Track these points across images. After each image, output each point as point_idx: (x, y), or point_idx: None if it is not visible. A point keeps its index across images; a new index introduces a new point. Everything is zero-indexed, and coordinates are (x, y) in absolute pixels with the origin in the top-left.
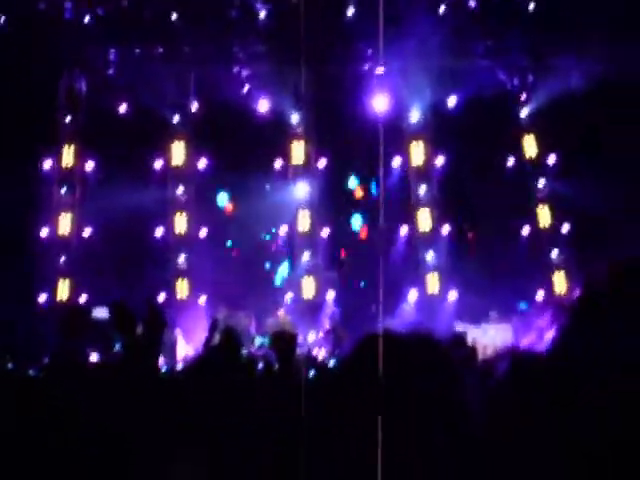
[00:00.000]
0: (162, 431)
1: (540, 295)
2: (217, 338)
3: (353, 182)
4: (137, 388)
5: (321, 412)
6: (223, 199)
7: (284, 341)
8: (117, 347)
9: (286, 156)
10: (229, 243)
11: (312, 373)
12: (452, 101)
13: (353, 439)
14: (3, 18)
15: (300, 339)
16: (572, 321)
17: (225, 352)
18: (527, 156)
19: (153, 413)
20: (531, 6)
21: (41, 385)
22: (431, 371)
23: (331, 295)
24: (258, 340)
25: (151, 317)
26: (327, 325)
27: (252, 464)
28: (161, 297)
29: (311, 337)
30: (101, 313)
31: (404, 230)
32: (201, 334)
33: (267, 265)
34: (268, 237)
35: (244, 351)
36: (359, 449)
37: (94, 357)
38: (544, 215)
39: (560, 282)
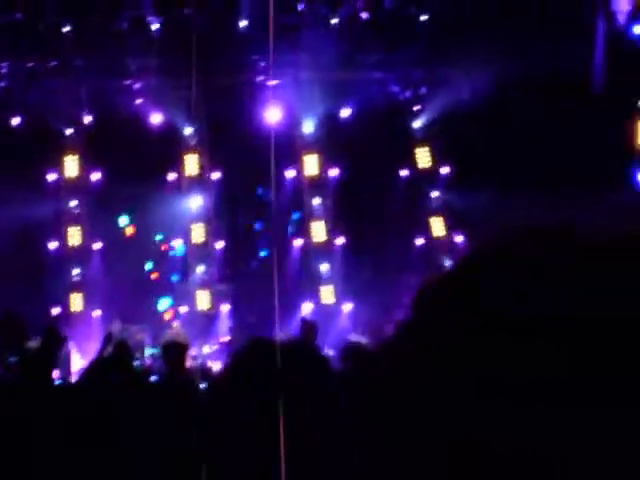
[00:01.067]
0: (54, 440)
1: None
2: (109, 350)
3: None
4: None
5: (214, 417)
6: (124, 221)
7: (174, 351)
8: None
9: (180, 169)
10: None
11: (205, 384)
12: (345, 113)
13: (251, 441)
14: None
15: (195, 352)
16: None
17: (116, 363)
18: (420, 167)
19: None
20: (424, 17)
21: None
22: (303, 371)
23: (225, 307)
24: (149, 351)
25: (49, 334)
26: (222, 337)
27: (147, 472)
28: (55, 310)
29: (206, 349)
30: None
31: (298, 242)
32: (95, 348)
33: (160, 277)
34: (159, 238)
35: (136, 363)
36: (257, 449)
37: None
38: (437, 226)
39: None
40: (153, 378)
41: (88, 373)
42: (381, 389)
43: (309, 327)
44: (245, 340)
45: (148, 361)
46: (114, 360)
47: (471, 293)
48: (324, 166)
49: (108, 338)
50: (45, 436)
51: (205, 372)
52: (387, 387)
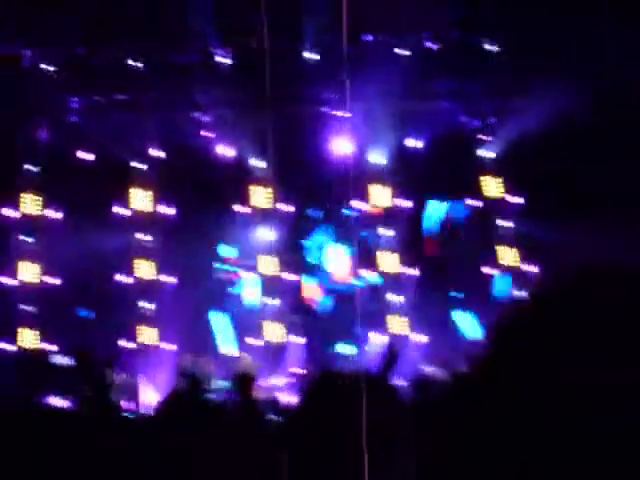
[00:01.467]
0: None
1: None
2: (182, 384)
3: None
4: (107, 432)
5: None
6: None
7: (244, 381)
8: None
9: (249, 200)
10: None
11: (275, 417)
12: (414, 143)
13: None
14: None
15: (264, 383)
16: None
17: (190, 397)
18: (490, 197)
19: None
20: (494, 48)
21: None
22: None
23: (296, 339)
24: (218, 383)
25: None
26: (292, 369)
27: None
28: (126, 344)
29: (276, 381)
30: (61, 360)
31: (369, 273)
32: (165, 380)
33: (230, 309)
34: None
35: (209, 395)
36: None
37: (60, 402)
38: (508, 256)
39: None
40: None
41: (163, 407)
42: (453, 424)
43: (390, 356)
44: (317, 373)
45: (217, 393)
46: (186, 394)
47: (548, 332)
48: (393, 197)
49: (179, 372)
50: (123, 468)
51: (274, 404)
52: (459, 421)
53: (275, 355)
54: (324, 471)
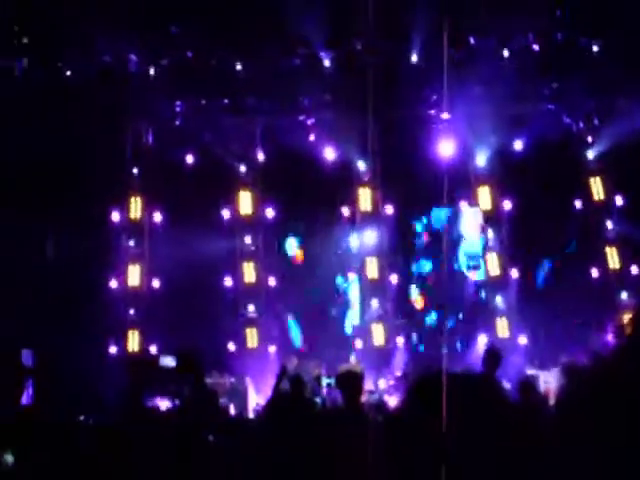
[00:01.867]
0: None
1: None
2: (286, 385)
3: (421, 227)
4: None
5: (387, 456)
6: (291, 245)
7: (350, 380)
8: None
9: (353, 203)
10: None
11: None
12: (518, 145)
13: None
14: (69, 72)
15: (371, 386)
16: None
17: (293, 399)
18: (594, 198)
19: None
20: (595, 48)
21: (114, 433)
22: (486, 411)
23: (401, 341)
24: (325, 381)
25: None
26: (398, 372)
27: None
28: (231, 346)
29: (382, 384)
30: (168, 361)
31: (473, 275)
32: (271, 383)
33: (335, 312)
34: (342, 282)
35: (316, 398)
36: None
37: (164, 404)
38: (613, 257)
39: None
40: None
41: (267, 410)
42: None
43: (494, 356)
44: (421, 373)
45: (325, 392)
46: (291, 396)
47: None
48: (498, 199)
49: (283, 373)
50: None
51: (381, 407)
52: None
53: (381, 358)
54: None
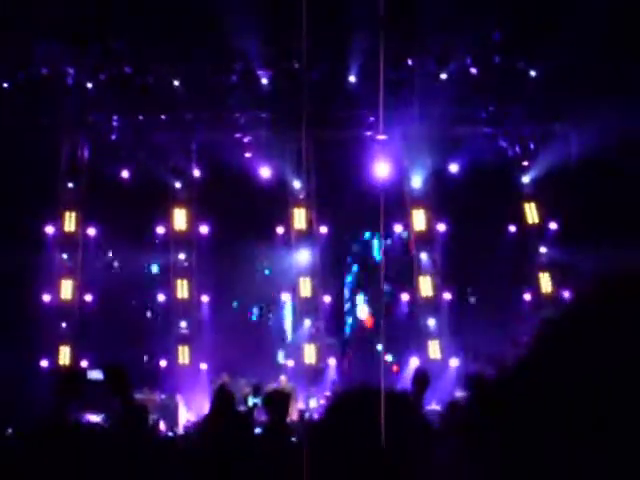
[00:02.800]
0: None
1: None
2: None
3: (355, 247)
4: (138, 451)
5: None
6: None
7: (277, 400)
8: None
9: (288, 222)
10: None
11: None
12: (453, 168)
13: None
14: (6, 84)
15: (302, 405)
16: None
17: (221, 414)
18: (528, 223)
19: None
20: (532, 74)
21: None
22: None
23: (332, 362)
24: (251, 400)
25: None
26: (328, 392)
27: None
28: (163, 363)
29: (313, 403)
30: (96, 375)
31: (405, 296)
32: (202, 400)
33: (267, 331)
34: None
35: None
36: None
37: (93, 418)
38: (545, 281)
39: None
40: (257, 430)
41: (199, 426)
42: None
43: (422, 378)
44: (342, 393)
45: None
46: (219, 411)
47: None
48: (432, 221)
49: (219, 393)
50: None
51: (308, 425)
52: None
53: (312, 377)
54: None
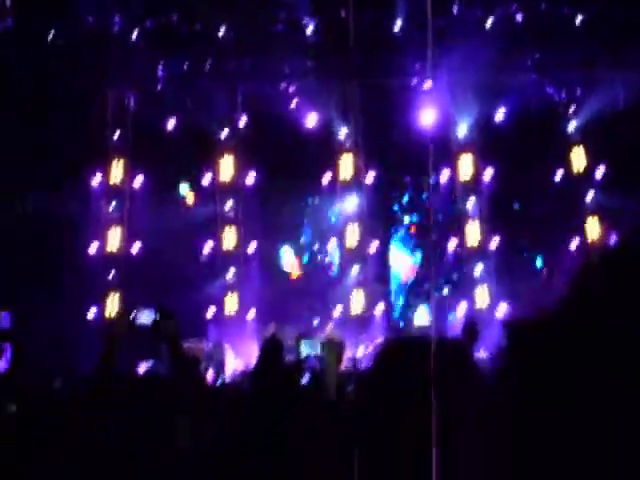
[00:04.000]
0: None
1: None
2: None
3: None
4: (188, 399)
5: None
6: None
7: (332, 349)
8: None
9: (334, 170)
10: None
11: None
12: (500, 115)
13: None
14: (52, 33)
15: (349, 354)
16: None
17: (272, 364)
18: (575, 169)
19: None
20: (579, 18)
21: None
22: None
23: (380, 308)
24: (305, 350)
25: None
26: (377, 339)
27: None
28: (210, 312)
29: (360, 351)
30: (146, 319)
31: (453, 243)
32: (250, 349)
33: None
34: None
35: (292, 363)
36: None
37: (142, 366)
38: (593, 227)
39: None
40: (307, 377)
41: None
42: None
43: (471, 328)
44: (391, 340)
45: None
46: (269, 360)
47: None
48: (479, 168)
49: (267, 342)
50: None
51: (357, 374)
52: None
53: (359, 325)
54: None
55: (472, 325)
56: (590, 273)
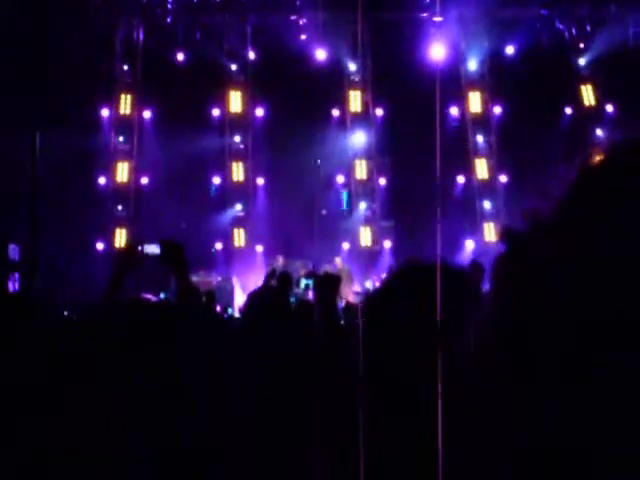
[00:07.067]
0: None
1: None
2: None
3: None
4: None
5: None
6: None
7: (328, 282)
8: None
9: (343, 105)
10: None
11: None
12: (510, 50)
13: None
14: None
15: (358, 288)
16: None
17: (279, 295)
18: (584, 105)
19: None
20: None
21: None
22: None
23: (388, 244)
24: (303, 282)
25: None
26: (384, 273)
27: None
28: (218, 245)
29: (368, 285)
30: (154, 249)
31: (461, 179)
32: (257, 283)
33: (325, 212)
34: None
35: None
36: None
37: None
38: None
39: None
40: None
41: (250, 301)
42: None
43: (478, 270)
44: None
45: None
46: (276, 289)
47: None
48: (488, 103)
49: (272, 273)
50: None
51: (363, 303)
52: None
53: (368, 259)
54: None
55: (478, 267)
56: (588, 179)
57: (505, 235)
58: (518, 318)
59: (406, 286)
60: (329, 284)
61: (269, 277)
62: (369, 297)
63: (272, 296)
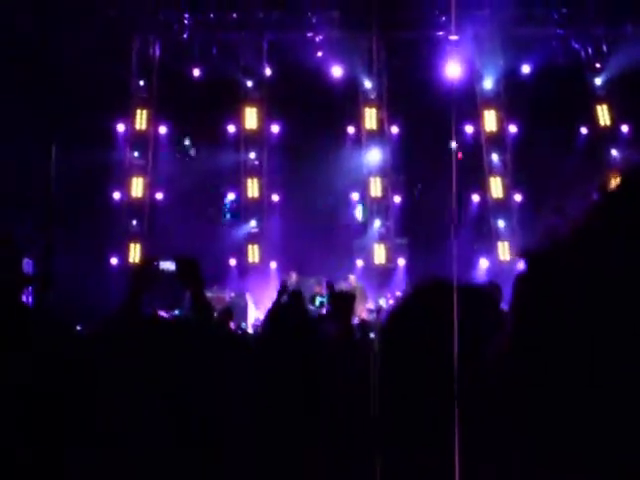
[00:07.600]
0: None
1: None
2: (285, 300)
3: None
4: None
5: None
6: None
7: (343, 300)
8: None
9: (359, 122)
10: None
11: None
12: (525, 69)
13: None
14: None
15: (372, 305)
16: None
17: (291, 312)
18: (600, 125)
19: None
20: None
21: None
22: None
23: (402, 262)
24: (318, 300)
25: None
26: (398, 291)
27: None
28: (232, 261)
29: (382, 303)
30: (169, 266)
31: (476, 197)
32: (271, 299)
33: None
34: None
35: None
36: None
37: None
38: (616, 183)
39: None
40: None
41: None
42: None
43: (496, 290)
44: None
45: (316, 310)
46: (289, 308)
47: None
48: (503, 122)
49: (284, 288)
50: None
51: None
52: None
53: (382, 277)
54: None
55: (495, 284)
56: (607, 199)
57: (525, 254)
58: (540, 335)
59: (432, 303)
60: (344, 302)
61: (281, 293)
62: (391, 313)
63: (296, 316)
